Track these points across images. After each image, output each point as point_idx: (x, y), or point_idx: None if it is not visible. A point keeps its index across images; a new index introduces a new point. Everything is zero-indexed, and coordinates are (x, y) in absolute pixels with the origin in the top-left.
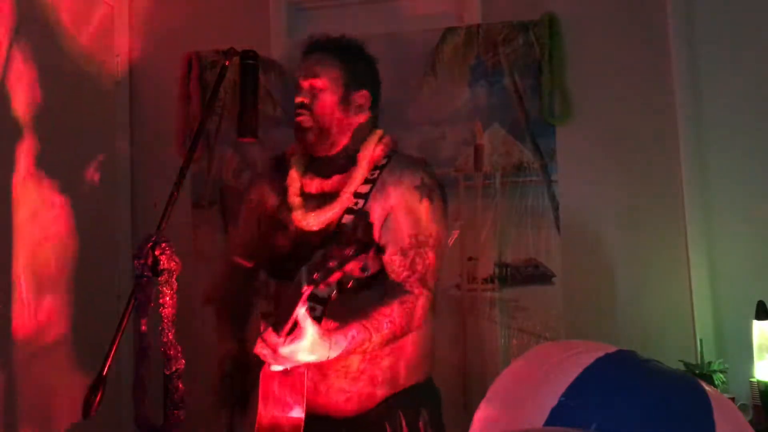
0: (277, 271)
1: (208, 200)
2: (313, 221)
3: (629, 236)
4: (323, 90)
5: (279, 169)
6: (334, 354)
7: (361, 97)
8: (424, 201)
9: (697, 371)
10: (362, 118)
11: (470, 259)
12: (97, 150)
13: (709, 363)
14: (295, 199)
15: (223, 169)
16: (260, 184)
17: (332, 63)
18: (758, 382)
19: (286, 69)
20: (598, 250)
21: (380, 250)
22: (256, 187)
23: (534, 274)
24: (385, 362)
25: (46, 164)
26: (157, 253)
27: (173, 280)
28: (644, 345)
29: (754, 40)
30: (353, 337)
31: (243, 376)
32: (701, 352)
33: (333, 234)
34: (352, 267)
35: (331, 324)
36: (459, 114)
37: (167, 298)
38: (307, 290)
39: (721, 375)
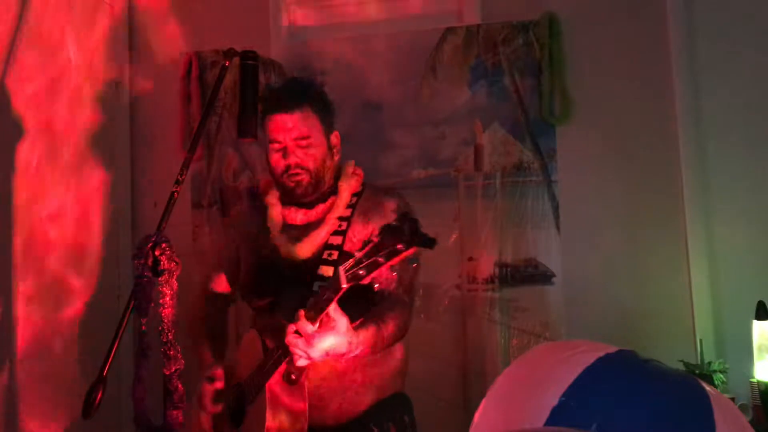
0: (261, 294)
1: (208, 200)
2: (305, 250)
3: (629, 236)
4: (313, 145)
5: (255, 204)
6: (358, 350)
7: (336, 137)
8: None
9: (697, 371)
10: (338, 156)
11: (470, 259)
12: (97, 150)
13: (709, 363)
14: (279, 237)
15: (223, 169)
16: (239, 219)
17: (311, 115)
18: (758, 382)
19: (286, 69)
20: (598, 250)
21: (429, 242)
22: (235, 221)
23: (534, 274)
24: (374, 370)
25: (47, 164)
26: (157, 253)
27: (173, 280)
28: (644, 345)
29: (754, 40)
30: (373, 336)
31: (235, 396)
32: (701, 352)
33: (382, 228)
34: (400, 262)
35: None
36: (459, 114)
37: (167, 298)
38: (347, 286)
39: (721, 375)
